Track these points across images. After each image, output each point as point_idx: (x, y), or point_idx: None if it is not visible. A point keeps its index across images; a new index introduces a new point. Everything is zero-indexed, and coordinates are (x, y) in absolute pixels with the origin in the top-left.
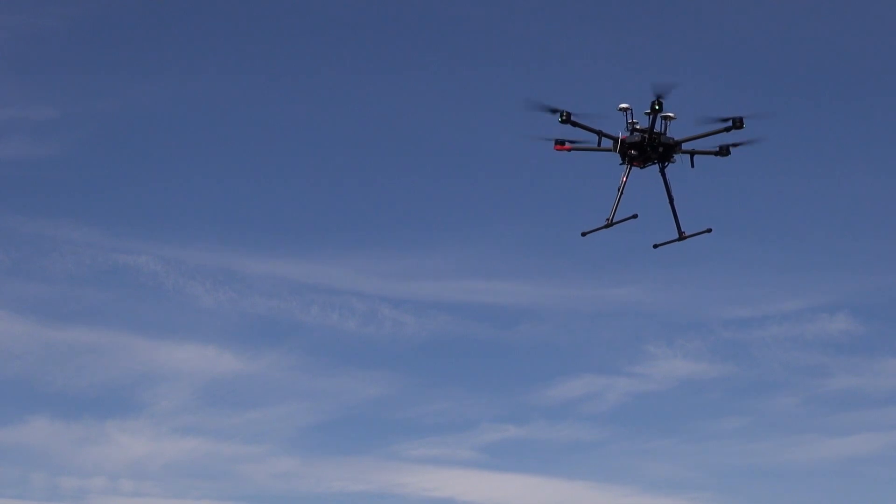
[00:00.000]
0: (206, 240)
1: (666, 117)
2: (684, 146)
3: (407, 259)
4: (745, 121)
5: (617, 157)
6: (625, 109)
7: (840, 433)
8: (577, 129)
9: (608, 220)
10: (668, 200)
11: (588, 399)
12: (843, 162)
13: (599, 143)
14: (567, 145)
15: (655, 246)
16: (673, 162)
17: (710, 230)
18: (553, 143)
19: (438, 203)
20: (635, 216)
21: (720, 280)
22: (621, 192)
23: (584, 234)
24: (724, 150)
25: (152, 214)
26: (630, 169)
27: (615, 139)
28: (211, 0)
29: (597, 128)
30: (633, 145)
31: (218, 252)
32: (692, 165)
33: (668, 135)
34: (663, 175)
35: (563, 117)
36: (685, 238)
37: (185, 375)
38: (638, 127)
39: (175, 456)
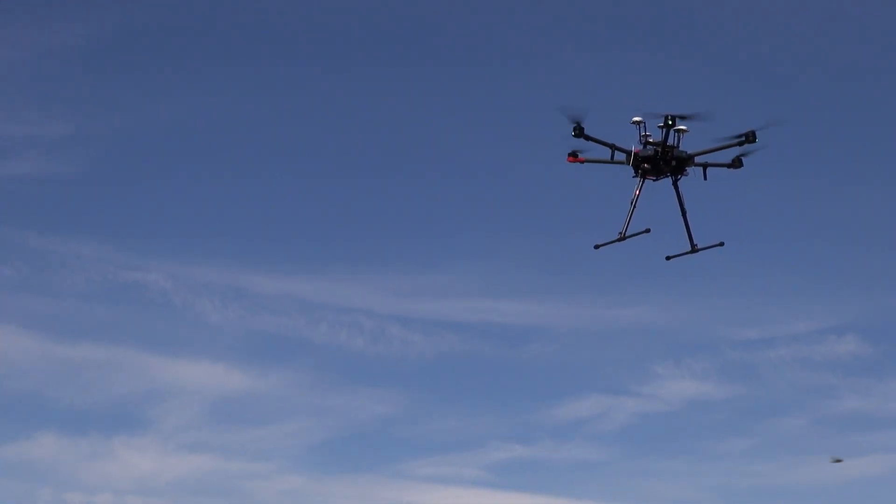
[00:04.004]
0: (216, 257)
1: (679, 131)
2: (697, 159)
3: (415, 278)
4: (757, 135)
5: (630, 171)
6: (638, 122)
7: (848, 455)
8: (591, 142)
9: (621, 233)
10: (680, 213)
11: (595, 419)
12: (852, 182)
13: (612, 157)
14: (580, 157)
15: (668, 258)
16: (686, 175)
17: (722, 244)
18: (567, 155)
19: (447, 222)
20: (648, 231)
21: (729, 301)
22: (634, 205)
23: (597, 247)
24: (736, 163)
25: (162, 231)
26: (643, 182)
27: (628, 152)
28: (222, 18)
29: (610, 141)
30: (646, 159)
31: (227, 269)
32: (705, 178)
33: (681, 148)
34: (676, 188)
35: (577, 131)
36: (697, 251)
37: (193, 392)
38: (651, 140)
39: (182, 472)
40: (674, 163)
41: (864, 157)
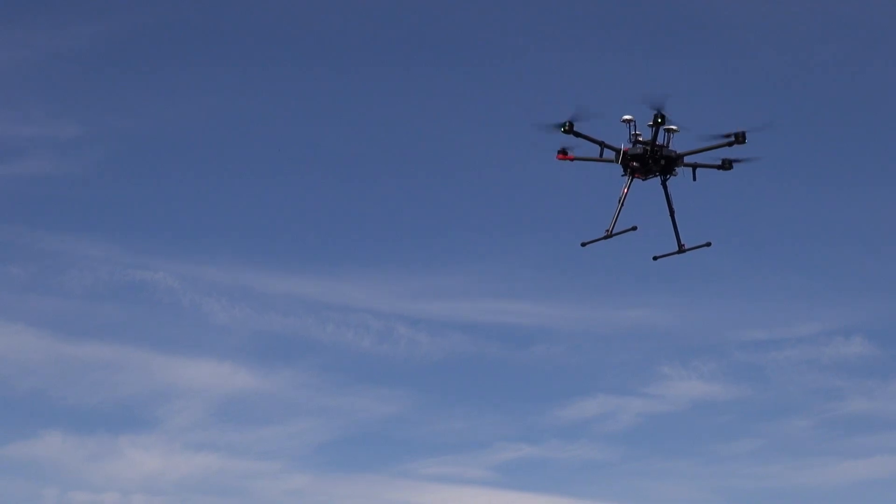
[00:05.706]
0: (223, 257)
1: (669, 130)
2: (686, 159)
3: (422, 278)
4: (747, 135)
5: (619, 169)
6: (628, 121)
7: (855, 456)
8: (580, 139)
9: (608, 231)
10: (668, 213)
11: (602, 419)
12: (860, 183)
13: (602, 154)
14: (570, 155)
15: (655, 258)
16: (675, 175)
17: (709, 244)
18: (556, 152)
19: (455, 222)
20: (634, 228)
21: (736, 302)
22: (622, 204)
23: (583, 245)
24: (726, 164)
25: (169, 231)
26: (631, 180)
27: (617, 150)
28: (230, 20)
29: (599, 139)
30: (635, 157)
31: (234, 269)
32: (694, 179)
33: (670, 147)
34: (665, 188)
35: (566, 127)
36: (685, 251)
37: (200, 392)
38: (641, 139)
39: (188, 472)
40: (663, 162)
41: (871, 158)
